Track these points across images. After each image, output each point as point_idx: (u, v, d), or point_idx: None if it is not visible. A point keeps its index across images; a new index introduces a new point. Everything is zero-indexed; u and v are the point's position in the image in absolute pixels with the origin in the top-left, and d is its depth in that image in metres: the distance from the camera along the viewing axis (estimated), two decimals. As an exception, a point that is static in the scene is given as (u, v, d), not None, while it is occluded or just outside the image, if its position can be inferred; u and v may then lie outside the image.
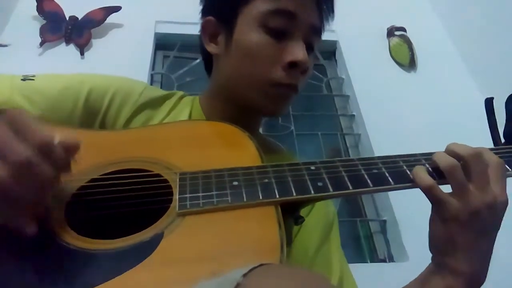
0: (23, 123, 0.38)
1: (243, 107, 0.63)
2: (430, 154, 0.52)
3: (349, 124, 1.73)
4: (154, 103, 0.65)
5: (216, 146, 0.55)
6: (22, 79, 0.59)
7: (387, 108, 1.64)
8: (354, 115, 1.71)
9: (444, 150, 0.51)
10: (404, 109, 1.65)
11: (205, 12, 0.67)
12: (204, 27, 0.66)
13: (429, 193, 0.48)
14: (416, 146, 1.57)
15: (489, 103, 0.61)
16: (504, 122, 0.60)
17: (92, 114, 0.60)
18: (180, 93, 0.71)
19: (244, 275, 0.31)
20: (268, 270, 0.32)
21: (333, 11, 0.66)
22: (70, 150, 0.40)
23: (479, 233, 0.48)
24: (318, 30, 0.63)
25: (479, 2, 1.77)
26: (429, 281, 0.51)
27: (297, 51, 0.58)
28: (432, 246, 0.52)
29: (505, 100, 0.60)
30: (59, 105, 0.58)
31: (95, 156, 0.49)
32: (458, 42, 1.91)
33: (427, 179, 0.47)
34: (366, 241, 1.44)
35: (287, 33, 0.59)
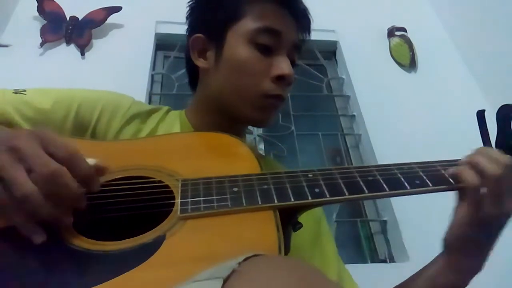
0: (51, 138, 0.40)
1: (232, 117, 0.67)
2: (426, 163, 0.55)
3: (349, 125, 1.72)
4: (142, 116, 0.69)
5: (218, 155, 0.57)
6: (14, 92, 0.62)
7: (387, 109, 1.64)
8: (354, 115, 1.71)
9: (464, 158, 0.53)
10: (404, 110, 1.65)
11: (192, 30, 0.72)
12: (192, 44, 0.70)
13: (474, 192, 0.50)
14: (416, 146, 1.58)
15: (480, 115, 0.63)
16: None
17: (82, 126, 0.64)
18: (166, 107, 0.75)
19: (240, 262, 0.32)
20: (263, 258, 0.34)
21: (309, 32, 0.74)
22: (100, 172, 0.44)
23: (495, 237, 0.53)
24: (298, 47, 0.70)
25: (479, 2, 1.77)
26: (438, 277, 0.56)
27: (284, 66, 0.64)
28: (450, 244, 0.54)
29: (503, 102, 0.61)
30: (50, 117, 0.61)
31: None
32: (458, 42, 1.91)
33: (475, 179, 0.49)
34: (366, 241, 1.44)
35: (273, 49, 0.65)
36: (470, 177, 0.50)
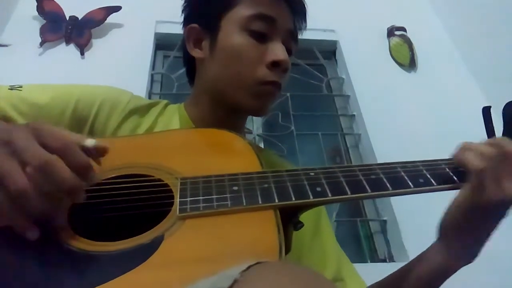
0: (45, 130, 0.39)
1: (230, 107, 0.67)
2: (430, 161, 0.53)
3: (349, 124, 1.72)
4: (141, 110, 0.68)
5: (217, 153, 0.56)
6: (9, 89, 0.61)
7: (387, 108, 1.64)
8: (354, 115, 1.71)
9: (456, 149, 0.53)
10: (404, 109, 1.65)
11: (187, 21, 0.72)
12: (188, 34, 0.70)
13: (477, 174, 0.48)
14: (416, 145, 1.58)
15: (486, 111, 0.61)
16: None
17: (80, 122, 0.63)
18: (165, 101, 0.75)
19: (242, 272, 0.31)
20: (265, 267, 0.33)
21: (305, 21, 0.73)
22: (99, 153, 0.42)
23: (491, 227, 0.51)
24: (294, 35, 0.70)
25: (479, 2, 1.76)
26: (428, 258, 0.56)
27: (279, 52, 0.63)
28: (445, 227, 0.54)
29: (503, 102, 0.61)
30: (46, 113, 0.60)
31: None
32: (458, 42, 1.91)
33: (477, 160, 0.48)
34: (366, 241, 1.44)
35: (267, 36, 0.65)
36: (471, 158, 0.49)
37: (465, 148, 0.51)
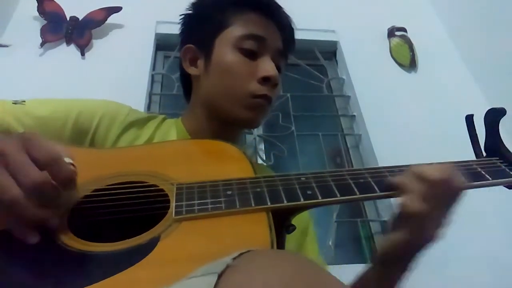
0: (35, 143, 0.41)
1: (224, 120, 0.71)
2: (415, 166, 0.55)
3: (349, 125, 1.72)
4: (139, 123, 0.72)
5: (212, 161, 0.58)
6: (13, 103, 0.63)
7: (387, 109, 1.64)
8: (354, 116, 1.71)
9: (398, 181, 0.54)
10: (404, 110, 1.65)
11: (184, 42, 0.78)
12: (184, 54, 0.76)
13: (419, 219, 0.51)
14: (416, 146, 1.57)
15: (469, 120, 0.64)
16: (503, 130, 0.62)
17: (81, 134, 0.66)
18: (162, 116, 0.79)
19: (233, 258, 0.32)
20: (256, 252, 0.35)
21: (294, 42, 0.79)
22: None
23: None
24: (283, 54, 0.75)
25: (479, 2, 1.77)
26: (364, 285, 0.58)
27: (269, 68, 0.69)
28: (386, 261, 0.55)
29: (503, 102, 0.62)
30: (49, 125, 0.63)
31: (98, 170, 0.53)
32: (458, 42, 1.91)
33: (419, 205, 0.51)
34: (366, 241, 1.44)
35: (258, 54, 0.70)
36: (412, 204, 0.51)
37: (406, 189, 0.52)
